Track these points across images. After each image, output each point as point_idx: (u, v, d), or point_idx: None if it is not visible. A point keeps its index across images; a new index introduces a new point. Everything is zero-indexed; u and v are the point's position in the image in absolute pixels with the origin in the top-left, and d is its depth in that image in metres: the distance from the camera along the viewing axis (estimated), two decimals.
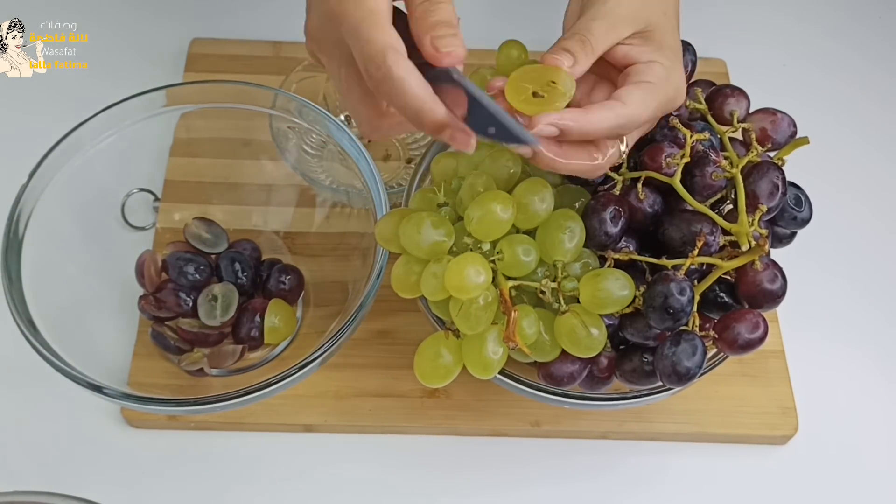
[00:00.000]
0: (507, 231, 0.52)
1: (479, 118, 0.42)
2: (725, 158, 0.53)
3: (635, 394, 0.56)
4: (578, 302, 0.52)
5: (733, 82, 0.66)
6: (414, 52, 0.45)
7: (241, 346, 0.64)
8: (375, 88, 0.45)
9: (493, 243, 0.52)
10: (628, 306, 0.52)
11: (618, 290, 0.51)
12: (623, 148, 0.51)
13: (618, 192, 0.54)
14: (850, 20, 0.87)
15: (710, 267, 0.53)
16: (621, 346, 0.55)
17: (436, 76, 0.44)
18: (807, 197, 0.56)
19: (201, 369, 0.62)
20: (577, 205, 0.55)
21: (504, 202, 0.51)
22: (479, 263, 0.50)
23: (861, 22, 0.87)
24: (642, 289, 0.51)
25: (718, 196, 0.54)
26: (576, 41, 0.49)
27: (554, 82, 0.47)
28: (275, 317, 0.64)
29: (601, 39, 0.50)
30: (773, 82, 0.79)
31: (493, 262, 0.52)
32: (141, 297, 0.66)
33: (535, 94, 0.47)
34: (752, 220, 0.51)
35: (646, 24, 0.51)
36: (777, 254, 0.56)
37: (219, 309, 0.65)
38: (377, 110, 0.48)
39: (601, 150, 0.50)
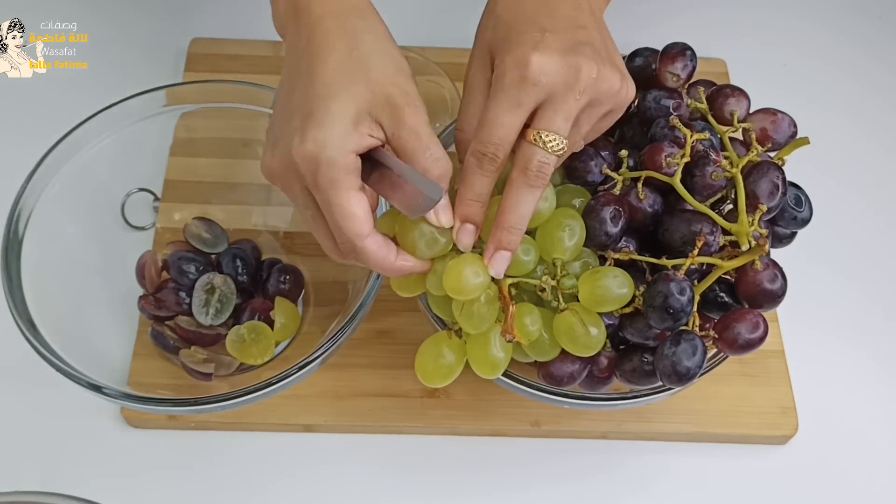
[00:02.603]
0: None
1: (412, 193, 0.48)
2: (725, 158, 0.53)
3: (635, 394, 0.56)
4: (578, 300, 0.52)
5: (733, 82, 0.66)
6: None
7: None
8: (346, 253, 0.50)
9: None
10: (628, 306, 0.52)
11: (617, 287, 0.51)
12: (535, 137, 0.49)
13: (618, 192, 0.54)
14: (851, 19, 0.87)
15: (710, 267, 0.53)
16: (621, 346, 0.55)
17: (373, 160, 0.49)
18: (807, 197, 0.56)
19: (209, 374, 0.62)
20: (577, 204, 0.55)
21: None
22: (477, 264, 0.50)
23: (861, 21, 0.87)
24: (642, 289, 0.51)
25: (718, 196, 0.54)
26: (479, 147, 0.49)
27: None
28: (281, 315, 0.65)
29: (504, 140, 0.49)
30: (773, 82, 0.78)
31: None
32: (141, 297, 0.66)
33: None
34: (752, 219, 0.51)
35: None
36: (777, 254, 0.56)
37: (212, 307, 0.65)
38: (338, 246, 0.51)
39: (522, 171, 0.49)
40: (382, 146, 0.49)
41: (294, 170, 0.48)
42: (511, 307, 0.50)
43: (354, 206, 0.47)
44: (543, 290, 0.52)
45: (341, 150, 0.47)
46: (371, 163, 0.49)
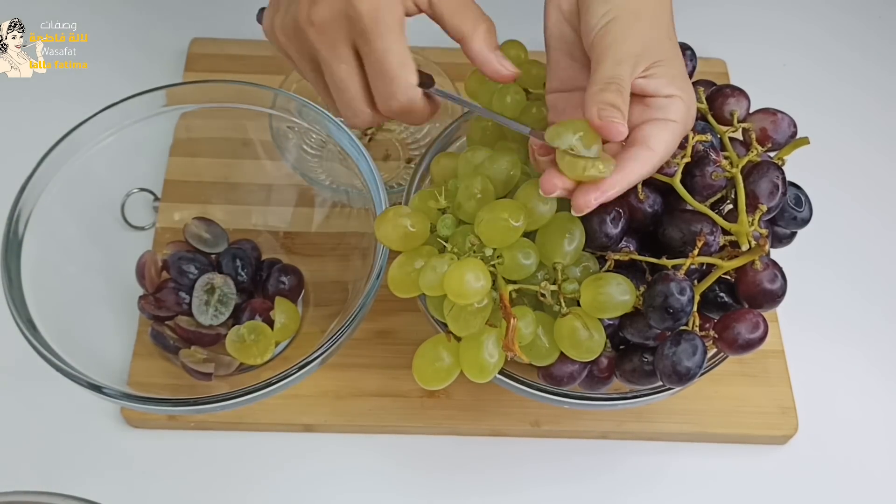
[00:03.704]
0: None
1: None
2: (725, 158, 0.53)
3: (635, 394, 0.56)
4: (579, 305, 0.52)
5: (733, 82, 0.66)
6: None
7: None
8: (384, 111, 0.51)
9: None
10: None
11: (619, 294, 0.51)
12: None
13: None
14: (851, 19, 0.87)
15: (710, 267, 0.53)
16: (621, 346, 0.55)
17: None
18: (807, 197, 0.56)
19: (209, 374, 0.62)
20: None
21: (515, 211, 0.51)
22: (478, 269, 0.50)
23: (861, 21, 0.87)
24: (642, 289, 0.51)
25: (718, 196, 0.54)
26: (615, 93, 0.49)
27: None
28: (281, 315, 0.65)
29: (630, 84, 0.50)
30: (773, 82, 0.79)
31: (492, 266, 0.52)
32: (141, 297, 0.66)
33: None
34: (752, 220, 0.51)
35: (658, 56, 0.50)
36: (777, 254, 0.56)
37: (212, 307, 0.65)
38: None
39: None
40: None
41: (346, 15, 0.49)
42: (513, 320, 0.50)
43: (408, 54, 0.49)
44: (544, 295, 0.52)
45: (397, 2, 0.49)
46: None
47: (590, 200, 0.47)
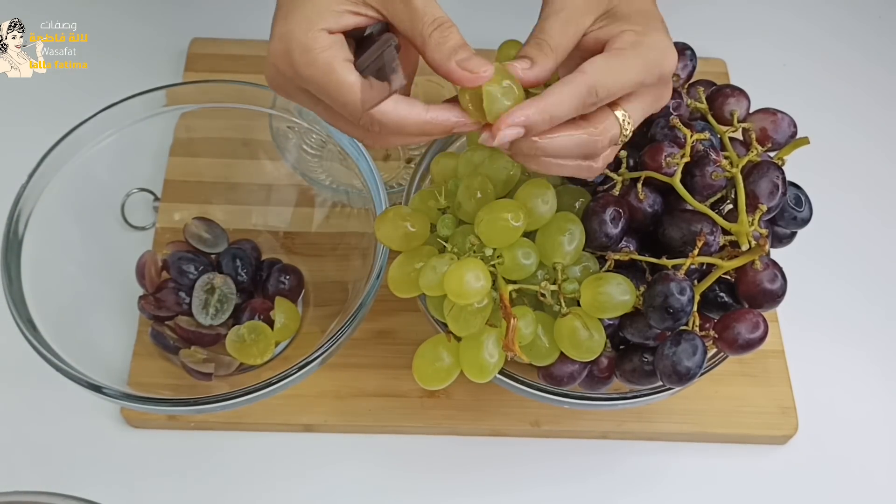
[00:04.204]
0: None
1: None
2: (725, 158, 0.53)
3: (635, 394, 0.56)
4: (579, 305, 0.52)
5: (733, 82, 0.66)
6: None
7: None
8: (376, 138, 0.46)
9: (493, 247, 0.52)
10: None
11: (619, 294, 0.51)
12: (621, 116, 0.47)
13: (617, 193, 0.54)
14: (851, 19, 0.87)
15: (710, 267, 0.53)
16: (621, 346, 0.55)
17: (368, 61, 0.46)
18: (807, 197, 0.56)
19: (209, 374, 0.62)
20: (576, 205, 0.55)
21: (515, 211, 0.51)
22: (478, 269, 0.50)
23: (861, 21, 0.87)
24: (642, 289, 0.51)
25: (718, 196, 0.54)
26: (532, 45, 0.47)
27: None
28: (281, 315, 0.65)
29: (559, 37, 0.47)
30: (773, 82, 0.79)
31: (493, 266, 0.52)
32: (141, 297, 0.66)
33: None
34: (752, 219, 0.51)
35: (607, 5, 0.48)
36: (777, 254, 0.56)
37: (212, 307, 0.65)
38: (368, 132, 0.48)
39: (592, 122, 0.47)
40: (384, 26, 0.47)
41: (280, 73, 0.46)
42: (513, 320, 0.50)
43: (345, 75, 0.44)
44: (544, 295, 0.52)
45: (307, 32, 0.44)
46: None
47: (502, 126, 0.44)
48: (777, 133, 0.56)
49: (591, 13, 0.48)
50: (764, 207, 0.51)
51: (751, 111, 0.57)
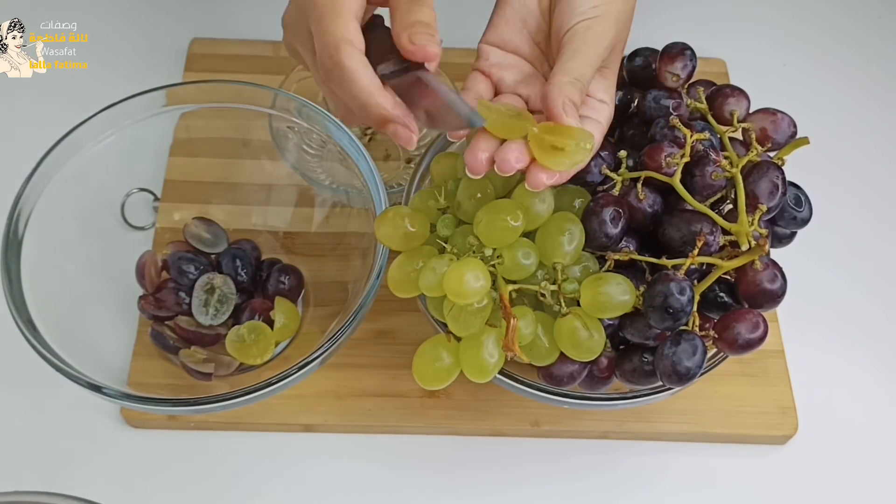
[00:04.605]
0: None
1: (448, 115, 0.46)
2: (725, 158, 0.53)
3: (635, 394, 0.56)
4: (578, 305, 0.52)
5: (733, 82, 0.66)
6: (390, 57, 0.47)
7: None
8: (326, 78, 0.47)
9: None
10: None
11: (619, 294, 0.51)
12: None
13: (617, 193, 0.54)
14: (850, 20, 0.87)
15: (710, 267, 0.53)
16: (621, 346, 0.55)
17: (402, 80, 0.47)
18: (807, 197, 0.56)
19: (209, 374, 0.62)
20: (576, 205, 0.55)
21: (514, 211, 0.51)
22: (478, 268, 0.50)
23: (861, 21, 0.87)
24: (642, 289, 0.51)
25: (718, 196, 0.54)
26: (579, 92, 0.49)
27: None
28: (281, 315, 0.65)
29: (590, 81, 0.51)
30: (773, 82, 0.79)
31: (492, 266, 0.52)
32: (141, 297, 0.66)
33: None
34: (752, 219, 0.51)
35: (608, 62, 0.53)
36: (777, 254, 0.56)
37: (212, 307, 0.65)
38: None
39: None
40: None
41: (300, 9, 0.48)
42: (513, 321, 0.50)
43: (346, 30, 0.46)
44: (544, 295, 0.52)
45: None
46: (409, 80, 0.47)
47: (543, 179, 0.48)
48: (777, 133, 0.56)
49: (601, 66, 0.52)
50: (764, 207, 0.51)
51: (751, 111, 0.57)
